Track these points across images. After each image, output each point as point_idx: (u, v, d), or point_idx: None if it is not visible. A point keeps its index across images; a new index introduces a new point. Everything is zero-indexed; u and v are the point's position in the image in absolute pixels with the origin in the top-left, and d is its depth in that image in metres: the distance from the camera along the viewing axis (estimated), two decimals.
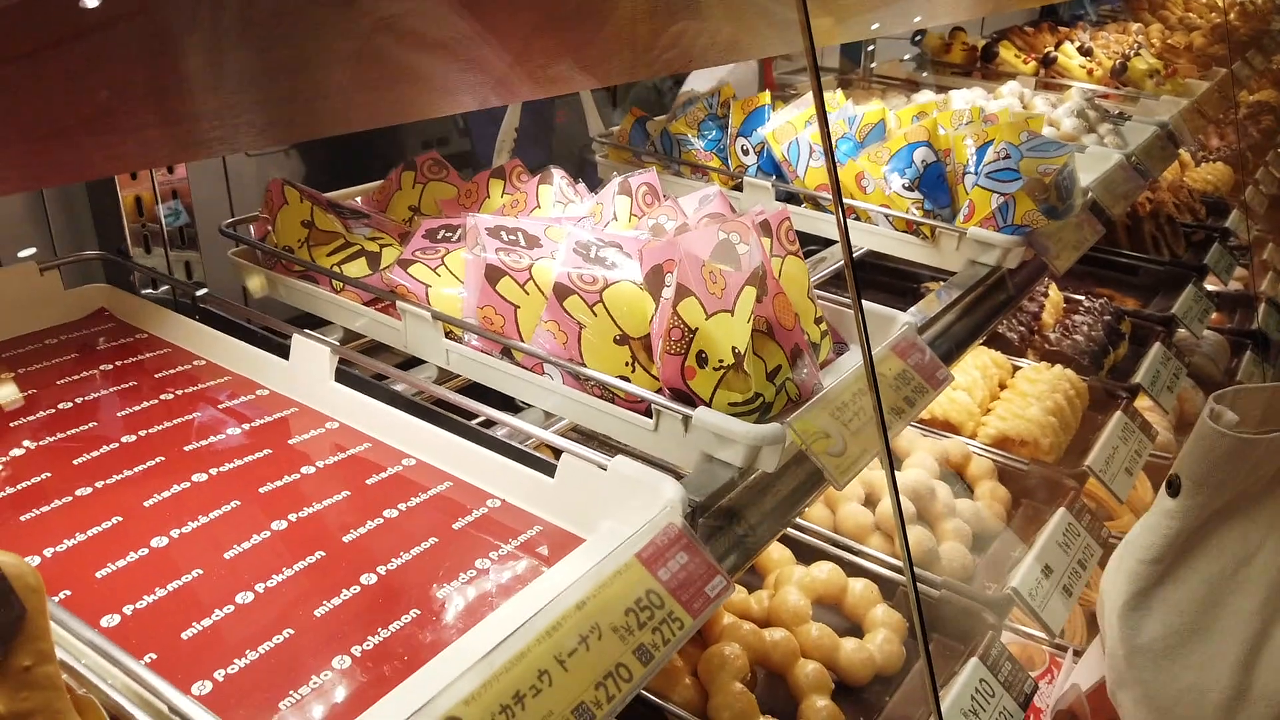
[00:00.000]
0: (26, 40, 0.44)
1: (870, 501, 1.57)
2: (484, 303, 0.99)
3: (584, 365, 0.94)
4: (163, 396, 0.98)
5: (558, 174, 1.24)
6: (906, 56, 2.99)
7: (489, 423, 0.96)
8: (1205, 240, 2.77)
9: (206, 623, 0.69)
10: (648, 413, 0.92)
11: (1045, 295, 2.26)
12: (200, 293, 1.16)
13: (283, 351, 1.02)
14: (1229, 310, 2.88)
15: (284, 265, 1.17)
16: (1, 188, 0.46)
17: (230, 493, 0.84)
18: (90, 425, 0.92)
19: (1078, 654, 1.71)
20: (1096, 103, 2.39)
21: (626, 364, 0.94)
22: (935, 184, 1.48)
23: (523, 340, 0.98)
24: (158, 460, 0.87)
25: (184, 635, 0.68)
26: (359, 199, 1.33)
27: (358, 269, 1.12)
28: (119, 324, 1.12)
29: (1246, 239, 2.93)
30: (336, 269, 1.12)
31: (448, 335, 1.04)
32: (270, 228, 1.17)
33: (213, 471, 0.86)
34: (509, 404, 1.04)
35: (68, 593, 0.71)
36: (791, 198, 1.60)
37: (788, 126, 1.60)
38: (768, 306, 0.94)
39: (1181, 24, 3.95)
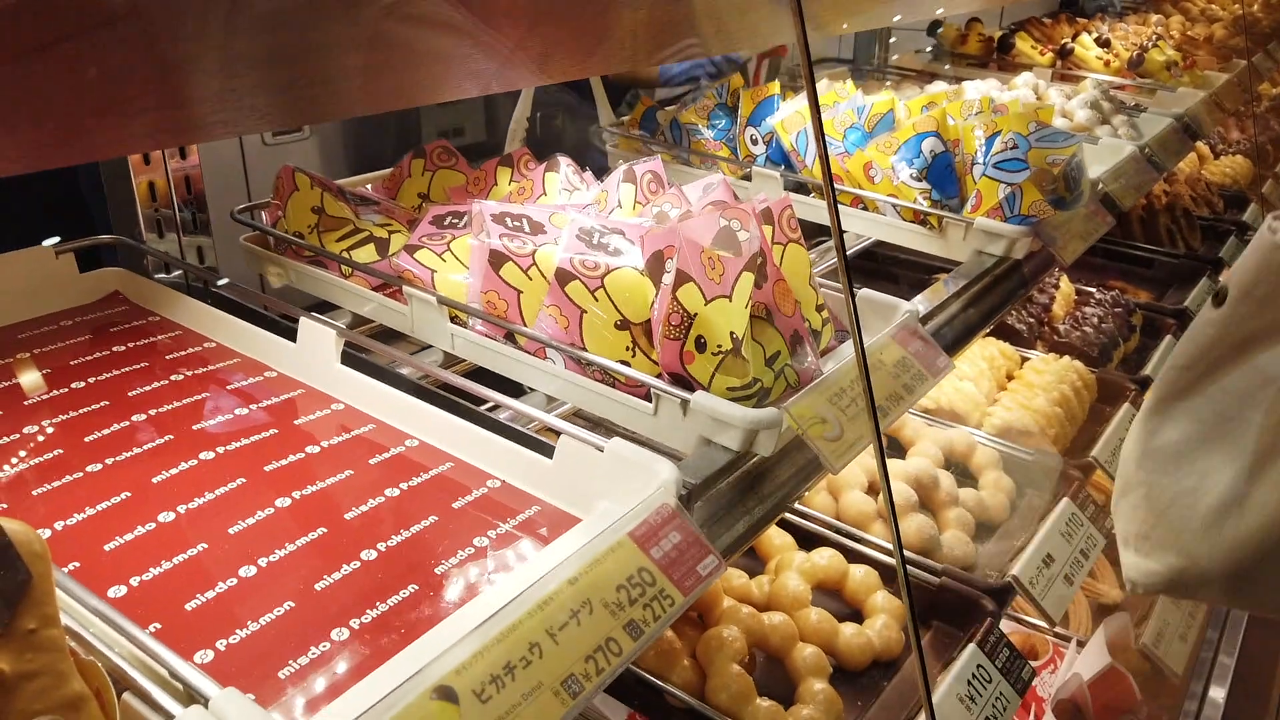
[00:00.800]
0: (43, 31, 0.46)
1: (874, 489, 1.58)
2: (488, 288, 1.00)
3: (585, 350, 0.95)
4: (173, 377, 1.00)
5: (564, 162, 1.25)
6: (927, 49, 2.97)
7: (494, 406, 0.98)
8: (1223, 234, 2.75)
9: (210, 594, 0.71)
10: (648, 397, 0.93)
11: (1056, 287, 2.26)
12: (222, 282, 1.19)
13: (291, 335, 1.04)
14: None
15: (294, 251, 1.18)
16: (6, 168, 0.48)
17: (236, 470, 0.86)
18: (102, 404, 0.94)
19: (1081, 644, 1.72)
20: (1112, 94, 2.38)
21: (627, 349, 0.95)
22: (943, 174, 1.48)
23: (526, 325, 0.99)
24: (167, 438, 0.89)
25: (188, 606, 0.70)
26: (369, 186, 1.35)
27: (366, 255, 1.14)
28: (132, 307, 1.14)
29: None
30: (345, 254, 1.14)
31: (453, 320, 1.05)
32: (281, 213, 1.19)
33: (220, 450, 0.88)
34: (514, 388, 1.06)
35: (77, 564, 0.73)
36: (800, 187, 1.61)
37: (796, 116, 1.60)
38: (767, 293, 0.95)
39: (1203, 16, 3.91)
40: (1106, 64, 2.83)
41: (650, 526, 0.74)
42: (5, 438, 0.87)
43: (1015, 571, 1.30)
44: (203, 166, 1.30)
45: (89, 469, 0.84)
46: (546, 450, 0.87)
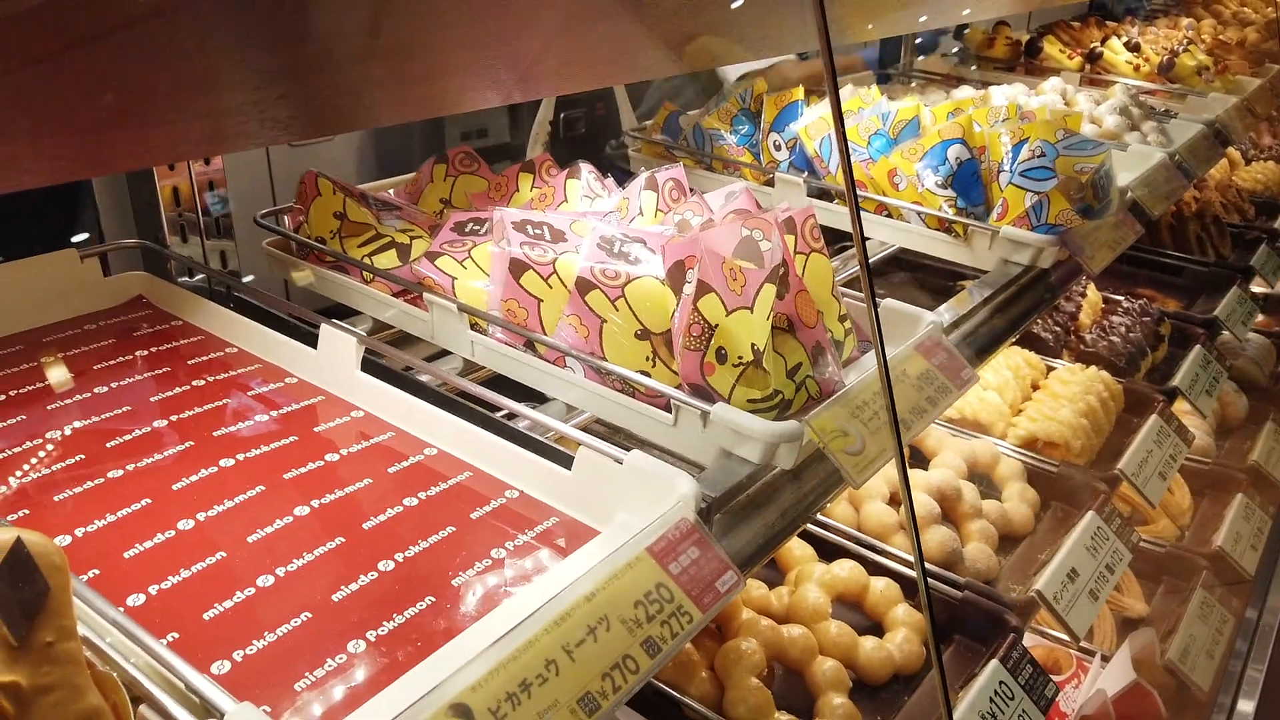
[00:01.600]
0: (58, 38, 0.46)
1: (895, 500, 1.57)
2: (508, 296, 1.00)
3: (605, 359, 0.95)
4: (194, 383, 1.00)
5: (586, 168, 1.25)
6: (952, 50, 2.95)
7: (512, 415, 0.98)
8: (1253, 241, 2.71)
9: (228, 604, 0.71)
10: (668, 408, 0.92)
11: (1083, 296, 2.23)
12: (247, 279, 1.19)
13: (312, 341, 1.04)
14: (1276, 313, 2.81)
15: (316, 256, 1.19)
16: (30, 180, 0.48)
17: (256, 478, 0.86)
18: (124, 409, 0.94)
19: (1105, 659, 1.69)
20: (1141, 100, 2.35)
21: (647, 359, 0.94)
22: (969, 181, 1.46)
23: (546, 333, 0.99)
24: (187, 445, 0.90)
25: (206, 616, 0.70)
26: (392, 190, 1.35)
27: (388, 260, 1.14)
28: (155, 311, 1.15)
29: None
30: (367, 260, 1.14)
31: (473, 327, 1.05)
32: (304, 219, 1.19)
33: (240, 457, 0.89)
34: (534, 396, 1.05)
35: (96, 571, 0.73)
36: (824, 194, 1.60)
37: (821, 122, 1.59)
38: (789, 304, 0.94)
39: (1236, 19, 3.86)
40: (1136, 69, 2.79)
41: (669, 541, 0.74)
42: (29, 441, 0.88)
43: (1039, 586, 1.28)
44: (227, 171, 1.30)
45: (110, 474, 0.84)
46: (565, 461, 0.87)
